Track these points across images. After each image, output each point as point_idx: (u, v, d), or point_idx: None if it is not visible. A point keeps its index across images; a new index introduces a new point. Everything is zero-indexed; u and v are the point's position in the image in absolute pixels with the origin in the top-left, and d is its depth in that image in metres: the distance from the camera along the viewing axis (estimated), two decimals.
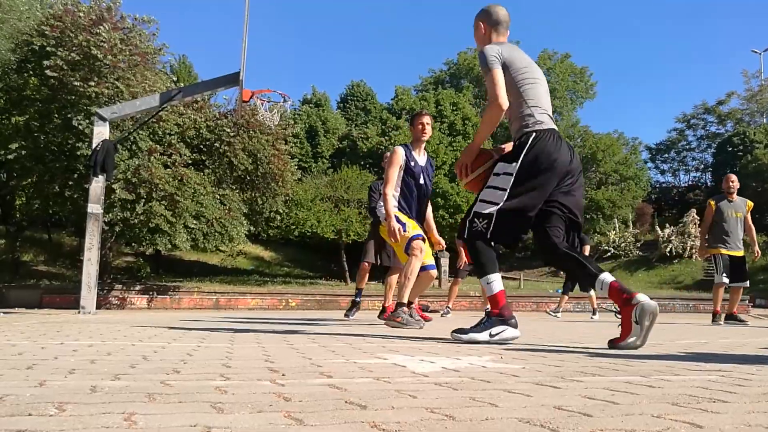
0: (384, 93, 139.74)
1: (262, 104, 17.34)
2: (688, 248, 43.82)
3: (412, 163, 8.09)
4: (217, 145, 25.24)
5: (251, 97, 16.15)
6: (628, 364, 3.52)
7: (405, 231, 7.68)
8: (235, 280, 31.14)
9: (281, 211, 28.94)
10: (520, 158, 5.08)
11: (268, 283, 30.09)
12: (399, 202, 8.04)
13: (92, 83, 19.78)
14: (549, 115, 5.34)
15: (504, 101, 5.13)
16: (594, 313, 18.10)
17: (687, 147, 68.33)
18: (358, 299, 11.90)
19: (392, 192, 7.93)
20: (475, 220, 5.19)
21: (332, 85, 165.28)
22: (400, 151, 8.07)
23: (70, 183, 21.74)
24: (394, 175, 7.97)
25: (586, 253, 18.07)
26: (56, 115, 21.20)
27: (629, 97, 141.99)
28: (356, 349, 4.30)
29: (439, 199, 37.61)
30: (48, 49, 20.26)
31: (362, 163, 41.04)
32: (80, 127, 19.74)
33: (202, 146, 25.56)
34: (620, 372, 3.08)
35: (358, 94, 62.60)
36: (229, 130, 25.22)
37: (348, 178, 37.26)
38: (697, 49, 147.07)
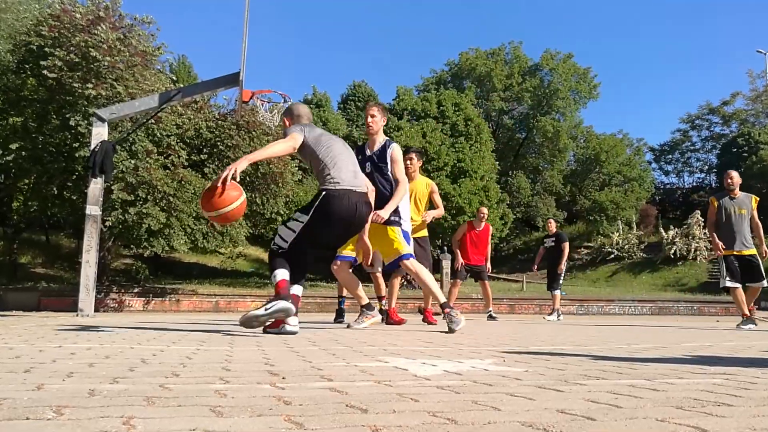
0: (386, 93, 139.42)
1: (262, 105, 17.30)
2: (693, 250, 43.77)
3: (360, 156, 8.56)
4: (220, 147, 25.24)
5: (251, 98, 16.13)
6: (632, 367, 3.52)
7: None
8: (235, 282, 31.19)
9: (282, 213, 28.92)
10: (311, 212, 6.38)
11: (269, 286, 30.04)
12: None
13: (90, 85, 19.78)
14: (350, 171, 6.65)
15: (297, 143, 6.58)
16: (551, 314, 17.95)
17: (691, 148, 68.39)
18: (342, 306, 11.78)
19: None
20: (274, 245, 6.56)
21: (333, 85, 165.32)
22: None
23: (69, 184, 21.77)
24: None
25: (566, 252, 17.92)
26: (54, 116, 21.21)
27: (632, 98, 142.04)
28: (357, 352, 4.29)
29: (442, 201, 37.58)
30: (46, 49, 20.26)
31: None
32: (79, 128, 19.74)
33: (202, 147, 25.56)
34: (624, 375, 3.08)
35: (359, 95, 62.63)
36: (229, 131, 25.21)
37: None
38: (701, 49, 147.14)
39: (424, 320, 11.35)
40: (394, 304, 10.99)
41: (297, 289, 6.62)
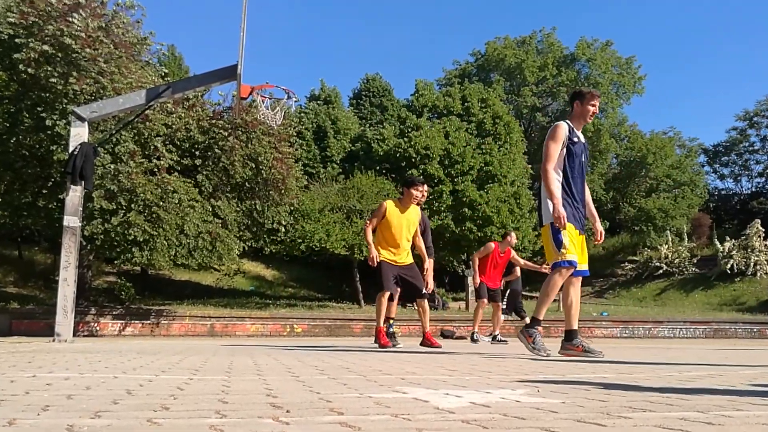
0: (403, 88, 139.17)
1: (262, 101, 17.34)
2: (752, 264, 43.35)
3: (575, 139, 8.32)
4: (215, 149, 25.21)
5: (250, 94, 16.18)
6: (682, 398, 3.51)
7: (564, 249, 8.00)
8: (232, 302, 31.12)
9: (285, 223, 28.85)
10: None
11: (270, 306, 30.09)
12: (564, 186, 8.22)
13: (72, 79, 19.73)
14: None
15: None
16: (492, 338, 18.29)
17: (750, 149, 67.77)
18: (392, 329, 12.10)
19: (553, 168, 8.18)
20: None
21: (344, 79, 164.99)
22: (564, 126, 8.33)
23: (44, 192, 21.71)
24: (557, 151, 8.21)
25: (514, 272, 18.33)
26: (27, 115, 21.12)
27: (682, 91, 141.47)
28: (371, 382, 4.29)
29: (467, 210, 37.49)
30: (17, 39, 20.19)
31: (378, 168, 40.96)
32: (56, 128, 19.69)
33: (194, 149, 25.51)
34: (674, 407, 3.07)
35: (373, 89, 62.56)
36: (225, 132, 25.16)
37: (362, 186, 37.13)
38: (759, 34, 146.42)
39: (424, 343, 11.45)
40: (428, 326, 11.33)
41: None
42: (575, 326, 8.19)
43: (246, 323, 25.43)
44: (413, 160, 39.86)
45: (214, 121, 25.78)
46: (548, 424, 2.47)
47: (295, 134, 29.39)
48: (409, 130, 42.42)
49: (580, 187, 8.36)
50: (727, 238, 46.57)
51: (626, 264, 50.04)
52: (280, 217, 27.88)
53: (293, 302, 34.07)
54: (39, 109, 20.61)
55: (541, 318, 8.33)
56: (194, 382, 4.21)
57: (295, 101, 19.14)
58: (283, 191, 27.14)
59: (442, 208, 37.71)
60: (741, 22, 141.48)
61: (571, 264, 7.98)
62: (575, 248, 8.04)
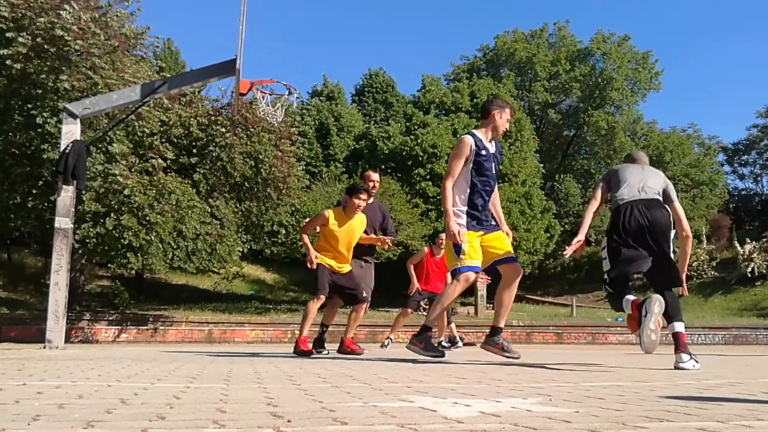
0: (408, 83, 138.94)
1: (263, 97, 17.31)
2: None
3: (483, 152, 8.21)
4: (211, 148, 25.15)
5: (250, 89, 16.16)
6: (701, 407, 3.50)
7: (463, 254, 8.04)
8: (231, 307, 31.08)
9: (286, 224, 28.79)
10: (606, 231, 7.96)
11: (271, 311, 30.05)
12: (471, 198, 8.21)
13: (64, 76, 19.64)
14: (637, 188, 8.08)
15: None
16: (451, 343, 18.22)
17: None
18: (324, 336, 12.15)
19: (453, 184, 8.18)
20: (605, 287, 8.11)
21: (347, 74, 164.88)
22: (468, 141, 8.18)
23: (34, 192, 21.62)
24: (458, 167, 8.15)
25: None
26: (17, 112, 21.05)
27: (700, 87, 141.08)
28: (376, 390, 4.29)
29: None
30: (8, 34, 20.09)
31: (383, 167, 40.84)
32: (47, 126, 19.62)
33: (191, 148, 25.45)
34: (692, 417, 3.06)
35: (377, 85, 62.50)
36: (223, 129, 25.09)
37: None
38: None
39: (345, 350, 11.50)
40: (351, 333, 11.36)
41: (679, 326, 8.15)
42: (501, 324, 8.36)
43: (245, 329, 25.38)
44: (420, 158, 39.81)
45: (212, 118, 25.72)
46: None
47: (296, 132, 29.33)
48: (416, 127, 42.32)
49: (488, 197, 8.43)
50: (748, 240, 46.13)
51: None
52: (280, 218, 27.84)
53: (295, 307, 33.97)
54: (29, 105, 20.52)
55: (431, 325, 8.59)
56: (191, 390, 4.21)
57: (297, 97, 19.15)
58: (283, 191, 27.09)
59: None
60: (762, 16, 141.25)
61: (470, 269, 8.09)
62: (475, 252, 8.12)
